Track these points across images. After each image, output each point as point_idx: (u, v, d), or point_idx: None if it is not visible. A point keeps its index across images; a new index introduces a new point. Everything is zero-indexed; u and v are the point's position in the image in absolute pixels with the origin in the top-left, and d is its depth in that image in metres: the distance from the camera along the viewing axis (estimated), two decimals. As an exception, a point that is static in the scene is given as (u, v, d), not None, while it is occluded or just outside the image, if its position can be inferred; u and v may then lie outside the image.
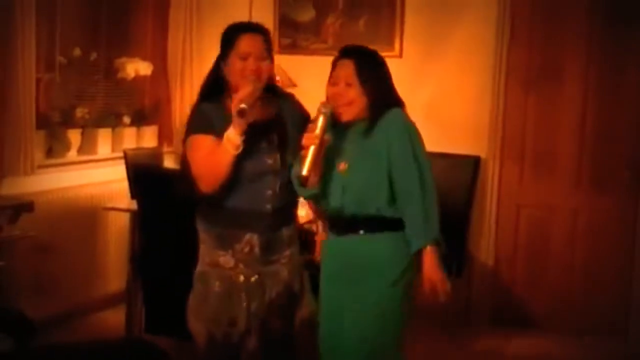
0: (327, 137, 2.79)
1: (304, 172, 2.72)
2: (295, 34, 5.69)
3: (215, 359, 3.09)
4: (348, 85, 2.77)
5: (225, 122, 2.86)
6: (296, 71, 5.35)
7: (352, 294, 2.82)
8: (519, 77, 5.26)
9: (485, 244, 5.35)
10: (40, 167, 4.68)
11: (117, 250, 5.14)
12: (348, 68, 2.78)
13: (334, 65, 2.84)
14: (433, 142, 5.14)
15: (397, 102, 2.84)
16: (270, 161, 2.96)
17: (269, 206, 2.95)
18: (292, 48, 5.68)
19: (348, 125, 2.83)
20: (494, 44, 5.24)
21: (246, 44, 2.95)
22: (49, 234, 4.63)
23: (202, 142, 2.94)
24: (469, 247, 5.33)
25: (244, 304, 3.01)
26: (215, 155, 2.88)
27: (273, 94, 3.07)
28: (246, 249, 2.98)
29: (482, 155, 5.28)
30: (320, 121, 2.75)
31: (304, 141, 2.75)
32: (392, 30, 5.48)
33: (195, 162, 2.96)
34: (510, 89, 5.27)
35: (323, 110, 2.76)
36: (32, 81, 4.46)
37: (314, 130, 2.74)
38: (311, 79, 5.49)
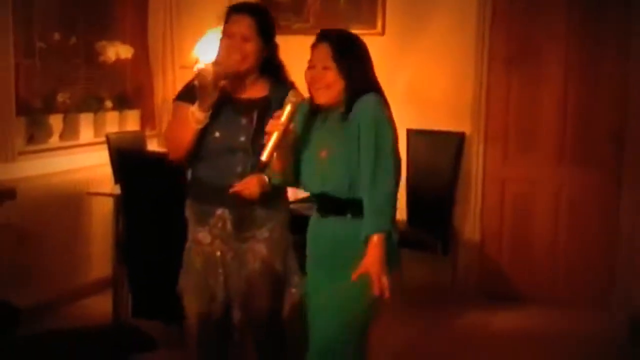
0: (293, 126, 2.78)
1: (263, 157, 2.73)
2: (276, 14, 5.59)
3: (203, 333, 3.13)
4: (325, 68, 2.73)
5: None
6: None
7: (330, 277, 2.80)
8: (500, 54, 5.27)
9: (471, 220, 5.38)
10: (22, 153, 4.65)
11: (102, 235, 5.11)
12: (324, 51, 2.74)
13: (312, 48, 2.81)
14: (417, 120, 5.21)
15: (374, 87, 2.79)
16: (242, 138, 2.98)
17: (237, 182, 2.94)
18: (274, 28, 5.63)
19: (327, 112, 2.81)
20: (476, 21, 5.24)
21: (232, 23, 2.99)
22: (32, 221, 4.61)
23: (177, 110, 3.03)
24: (455, 223, 5.35)
25: (221, 278, 3.06)
26: (182, 125, 2.96)
27: (274, 77, 3.08)
28: (219, 224, 3.03)
29: (467, 131, 5.29)
30: (288, 109, 2.74)
31: (268, 127, 2.74)
32: (373, 8, 5.46)
33: (167, 128, 3.13)
34: (493, 65, 5.28)
35: (292, 99, 2.75)
36: (10, 67, 4.43)
37: (280, 117, 2.74)
38: (293, 59, 5.41)
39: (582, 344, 4.59)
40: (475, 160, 5.33)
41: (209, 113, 2.92)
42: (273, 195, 3.01)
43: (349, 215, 2.77)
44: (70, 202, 5.02)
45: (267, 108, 2.98)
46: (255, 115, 2.99)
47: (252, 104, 3.01)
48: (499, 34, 5.25)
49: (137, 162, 4.24)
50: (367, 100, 2.73)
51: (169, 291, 3.84)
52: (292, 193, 3.80)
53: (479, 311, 5.11)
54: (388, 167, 2.68)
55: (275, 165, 2.80)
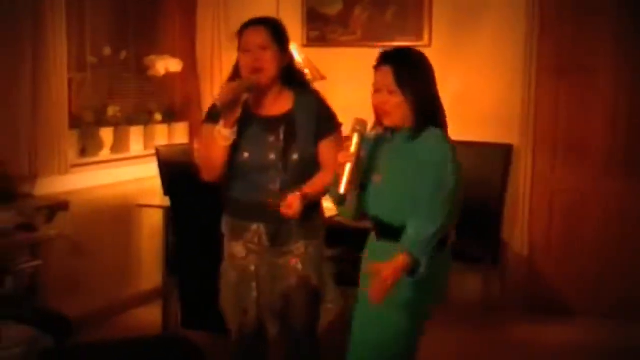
0: (362, 154, 2.76)
1: (342, 190, 2.71)
2: (323, 27, 5.68)
3: (239, 347, 3.17)
4: (390, 92, 2.72)
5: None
6: (325, 64, 5.32)
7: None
8: (549, 64, 5.20)
9: (519, 232, 5.32)
10: (74, 166, 4.72)
11: (152, 246, 5.18)
12: (387, 75, 2.72)
13: (375, 71, 2.79)
14: (464, 131, 5.18)
15: (440, 111, 2.78)
16: (272, 156, 2.98)
17: (272, 199, 2.94)
18: (321, 41, 5.66)
19: (386, 137, 2.81)
20: (524, 31, 5.18)
21: (246, 38, 3.01)
22: (84, 232, 4.68)
23: (205, 131, 3.06)
24: (503, 235, 5.30)
25: (254, 294, 3.08)
26: (211, 145, 2.98)
27: (299, 87, 3.08)
28: (255, 239, 3.05)
29: (515, 143, 5.24)
30: (355, 138, 2.72)
31: (340, 159, 2.71)
32: (420, 19, 5.45)
33: (197, 150, 3.08)
34: (541, 75, 5.21)
35: (357, 127, 2.73)
36: (64, 81, 4.50)
37: (349, 148, 2.71)
38: (340, 71, 5.51)
39: (633, 359, 4.52)
40: (524, 172, 5.28)
41: (235, 130, 2.92)
42: (309, 210, 3.00)
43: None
44: (120, 214, 5.10)
45: (292, 123, 2.99)
46: (282, 132, 2.99)
47: (277, 120, 3.01)
48: (547, 43, 5.19)
49: (186, 175, 4.28)
50: (436, 138, 2.72)
51: (217, 302, 3.87)
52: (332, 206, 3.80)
53: (528, 324, 5.05)
54: (443, 207, 2.64)
55: (348, 195, 2.77)
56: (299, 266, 3.05)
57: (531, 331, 4.93)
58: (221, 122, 2.92)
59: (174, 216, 4.29)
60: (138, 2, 5.54)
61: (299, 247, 3.05)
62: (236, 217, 3.09)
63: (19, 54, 4.25)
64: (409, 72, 2.74)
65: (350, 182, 2.71)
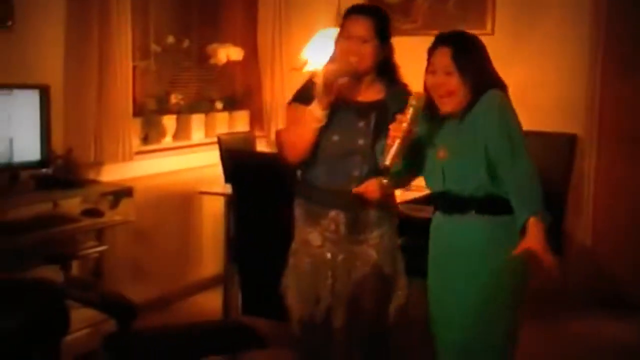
0: (415, 129, 2.73)
1: (387, 162, 2.70)
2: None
3: (305, 337, 3.15)
4: (447, 74, 2.68)
5: None
6: (386, 52, 5.29)
7: (455, 278, 2.75)
8: (615, 53, 5.10)
9: (583, 223, 5.23)
10: (138, 153, 4.79)
11: (213, 233, 5.23)
12: (445, 56, 2.69)
13: (430, 53, 2.76)
14: (528, 121, 5.02)
15: (499, 85, 2.74)
16: (361, 142, 2.97)
17: (355, 186, 2.93)
18: (382, 29, 5.63)
19: (444, 118, 2.78)
20: (590, 19, 5.09)
21: (350, 24, 2.99)
22: (147, 218, 4.75)
23: (294, 111, 3.04)
24: (566, 226, 5.21)
25: (329, 281, 3.05)
26: (300, 126, 2.97)
27: (388, 79, 3.07)
28: (332, 227, 3.02)
29: (579, 133, 5.15)
30: (410, 113, 2.70)
31: (391, 132, 2.71)
32: (483, 7, 5.39)
33: (284, 129, 3.13)
34: (607, 64, 5.11)
35: (413, 102, 2.70)
36: (129, 70, 4.56)
37: (402, 121, 2.70)
38: (402, 59, 5.43)
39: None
40: (588, 162, 5.19)
41: (328, 112, 2.92)
42: (385, 198, 2.98)
43: (472, 212, 2.71)
44: (182, 201, 5.16)
45: (384, 111, 2.96)
46: (373, 118, 2.97)
47: (369, 107, 3.00)
48: (614, 31, 5.08)
49: (247, 163, 4.31)
50: (490, 95, 2.67)
51: (279, 290, 3.90)
52: (399, 195, 3.79)
53: (591, 318, 4.96)
54: (522, 152, 2.63)
55: (393, 169, 2.75)
56: (374, 255, 3.03)
57: (594, 324, 4.85)
58: (315, 103, 2.92)
59: (235, 203, 4.33)
60: (201, -9, 5.59)
61: (374, 236, 3.03)
62: (313, 203, 3.06)
63: (86, 42, 4.32)
64: (467, 52, 2.71)
65: (397, 155, 2.69)
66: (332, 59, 3.02)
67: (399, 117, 2.72)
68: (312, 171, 3.06)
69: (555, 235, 4.98)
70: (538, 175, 2.64)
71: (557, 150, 5.07)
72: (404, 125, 2.69)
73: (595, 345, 4.57)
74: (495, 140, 2.64)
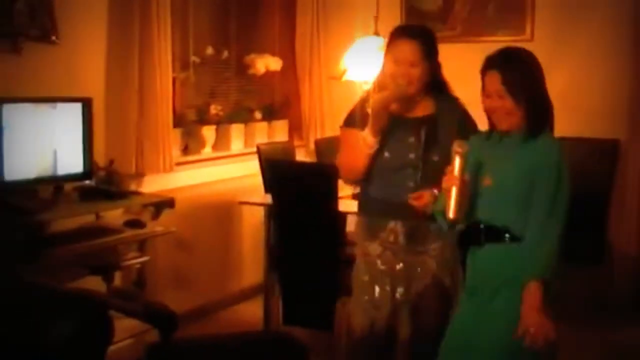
0: (467, 176, 2.70)
1: (451, 215, 2.67)
2: (422, 23, 5.62)
3: (365, 347, 3.15)
4: (500, 97, 2.66)
5: None
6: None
7: (488, 309, 2.71)
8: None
9: (626, 230, 5.15)
10: (178, 164, 4.82)
11: (253, 243, 5.25)
12: (495, 80, 2.66)
13: (482, 75, 2.73)
14: (569, 127, 5.01)
15: (549, 110, 2.72)
16: (412, 156, 3.01)
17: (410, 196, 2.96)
18: (420, 37, 5.61)
19: (494, 140, 2.77)
20: (632, 22, 5.02)
21: (398, 50, 3.00)
22: (187, 229, 4.78)
23: (347, 136, 3.11)
24: (609, 234, 5.14)
25: (388, 288, 3.07)
26: (354, 150, 3.03)
27: (440, 91, 3.09)
28: (391, 238, 3.06)
29: (622, 138, 5.08)
30: (457, 161, 2.67)
31: (444, 184, 2.69)
32: (522, 13, 5.35)
33: (339, 152, 3.18)
34: (650, 68, 5.04)
35: (458, 149, 2.68)
36: (169, 81, 4.60)
37: (452, 171, 2.68)
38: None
39: None
40: (632, 168, 5.11)
41: (379, 138, 2.97)
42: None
43: (506, 241, 2.69)
44: (222, 211, 5.18)
45: (434, 125, 3.01)
46: (423, 133, 3.00)
47: (419, 122, 3.03)
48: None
49: (286, 172, 4.33)
50: (549, 142, 2.68)
51: (320, 299, 3.90)
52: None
53: (635, 327, 4.88)
54: (560, 218, 2.62)
55: (458, 217, 2.71)
56: (434, 266, 3.05)
57: (637, 333, 4.77)
58: (367, 129, 2.97)
59: (275, 213, 4.34)
60: (239, 2, 5.61)
61: (435, 247, 3.06)
62: (373, 216, 3.12)
63: (127, 55, 4.38)
64: (517, 75, 2.66)
65: (458, 206, 2.67)
66: (380, 84, 3.04)
67: (448, 167, 2.70)
68: (369, 186, 3.11)
69: (598, 243, 4.94)
70: (561, 243, 2.64)
71: (600, 156, 5.02)
72: (455, 174, 2.67)
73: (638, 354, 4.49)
74: (541, 193, 2.62)
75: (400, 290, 3.06)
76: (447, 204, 2.68)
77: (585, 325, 4.89)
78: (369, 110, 2.93)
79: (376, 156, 3.02)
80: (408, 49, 2.97)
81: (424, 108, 3.06)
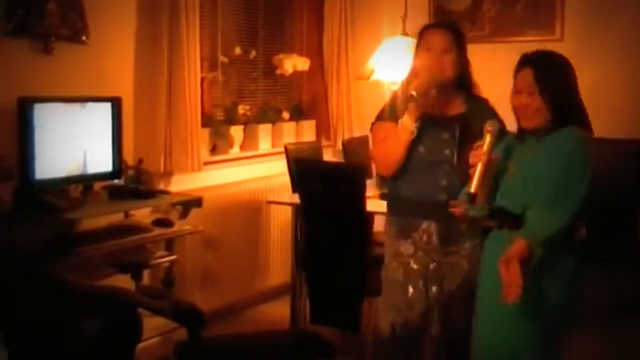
0: (495, 155, 2.75)
1: (472, 189, 2.71)
2: (450, 22, 5.62)
3: (396, 345, 3.15)
4: (530, 94, 2.69)
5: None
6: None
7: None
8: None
9: (656, 232, 5.10)
10: (206, 163, 4.84)
11: (281, 242, 5.27)
12: (527, 77, 2.70)
13: (515, 74, 2.77)
14: (599, 127, 4.99)
15: (580, 113, 2.75)
16: (447, 152, 3.04)
17: (444, 195, 3.01)
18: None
19: (518, 140, 2.80)
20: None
21: (430, 39, 3.08)
22: (216, 228, 4.80)
23: (382, 128, 3.14)
24: (638, 236, 5.09)
25: (422, 288, 3.09)
26: (391, 140, 3.06)
27: (467, 93, 3.13)
28: (424, 238, 3.08)
29: (652, 139, 5.04)
30: (487, 139, 2.72)
31: (471, 159, 2.74)
32: (551, 13, 5.31)
33: (374, 147, 3.24)
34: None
35: (489, 128, 2.74)
36: (197, 81, 4.62)
37: (481, 147, 2.72)
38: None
39: None
40: (662, 169, 5.06)
41: (419, 124, 2.99)
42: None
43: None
44: (250, 211, 5.20)
45: (466, 124, 3.03)
46: (457, 130, 3.03)
47: (452, 119, 3.07)
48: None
49: (314, 172, 4.33)
50: (568, 134, 2.68)
51: (346, 299, 3.91)
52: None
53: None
54: (569, 209, 2.62)
55: (480, 197, 2.76)
56: (466, 266, 3.08)
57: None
58: (406, 116, 3.01)
59: (303, 212, 4.35)
60: (267, 2, 5.63)
61: (466, 247, 3.09)
62: (404, 216, 3.14)
63: (156, 55, 4.42)
64: (550, 74, 2.70)
65: (480, 181, 2.71)
66: (413, 73, 3.08)
67: (477, 144, 2.75)
68: (402, 184, 3.13)
69: (628, 243, 4.90)
70: (567, 224, 2.64)
71: (629, 157, 4.98)
72: (484, 150, 2.71)
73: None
74: (554, 171, 2.64)
75: (433, 289, 3.08)
76: (471, 179, 2.72)
77: (613, 329, 4.85)
78: (413, 93, 2.94)
79: (411, 150, 3.04)
80: (439, 37, 3.06)
81: (455, 107, 3.10)
